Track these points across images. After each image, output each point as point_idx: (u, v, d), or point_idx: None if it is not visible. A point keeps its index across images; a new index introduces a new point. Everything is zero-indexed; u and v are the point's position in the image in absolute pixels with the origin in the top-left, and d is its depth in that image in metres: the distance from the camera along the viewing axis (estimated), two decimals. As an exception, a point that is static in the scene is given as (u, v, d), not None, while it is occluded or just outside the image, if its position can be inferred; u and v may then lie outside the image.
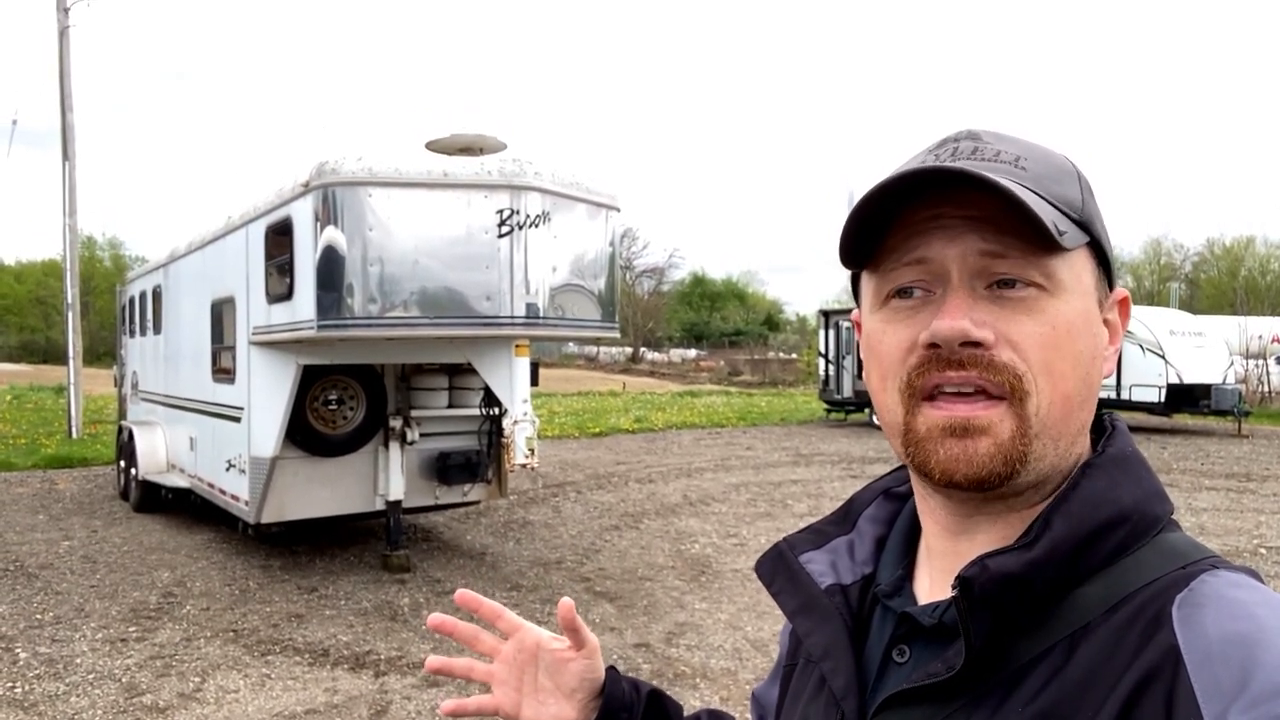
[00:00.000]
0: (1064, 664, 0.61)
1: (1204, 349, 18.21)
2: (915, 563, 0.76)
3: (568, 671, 0.91)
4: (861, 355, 0.73)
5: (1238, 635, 0.55)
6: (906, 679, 0.67)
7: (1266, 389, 24.45)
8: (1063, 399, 0.64)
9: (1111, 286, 0.70)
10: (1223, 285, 49.58)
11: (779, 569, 0.81)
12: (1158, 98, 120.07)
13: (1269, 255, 51.98)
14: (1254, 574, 0.62)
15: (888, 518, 0.81)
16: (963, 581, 0.62)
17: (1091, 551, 0.63)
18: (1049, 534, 0.62)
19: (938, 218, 0.64)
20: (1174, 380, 17.30)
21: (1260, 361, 24.54)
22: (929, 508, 0.72)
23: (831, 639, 0.74)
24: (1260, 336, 25.45)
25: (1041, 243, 0.62)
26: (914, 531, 0.77)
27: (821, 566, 0.78)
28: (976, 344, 0.62)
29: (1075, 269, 0.65)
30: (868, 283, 0.71)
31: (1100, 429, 0.70)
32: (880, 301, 0.69)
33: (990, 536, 0.68)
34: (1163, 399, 17.34)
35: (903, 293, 0.67)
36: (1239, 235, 58.45)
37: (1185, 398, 17.60)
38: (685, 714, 0.98)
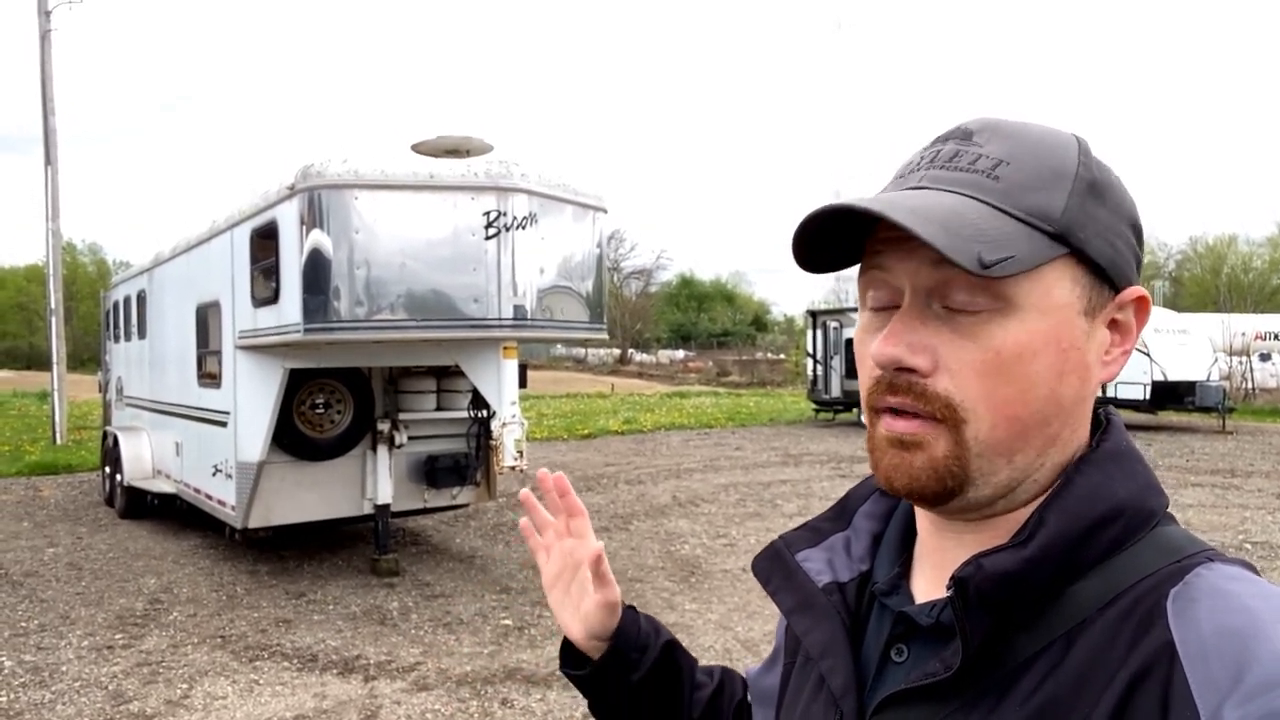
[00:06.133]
0: (1061, 661, 0.60)
1: (1188, 346, 18.35)
2: (912, 559, 0.75)
3: (587, 602, 0.98)
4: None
5: (1232, 629, 0.55)
6: (905, 678, 0.67)
7: (1250, 386, 24.65)
8: (1008, 421, 0.62)
9: (1118, 287, 0.66)
10: (1206, 283, 49.86)
11: (775, 567, 0.80)
12: (1141, 96, 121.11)
13: (1251, 253, 52.42)
14: (1250, 566, 0.62)
15: (883, 513, 0.80)
16: (958, 582, 0.61)
17: (1087, 547, 0.62)
18: (1044, 531, 0.62)
19: (895, 227, 0.62)
20: (1159, 377, 17.42)
21: (1243, 358, 24.75)
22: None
23: (829, 638, 0.73)
24: (1243, 333, 25.68)
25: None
26: (910, 528, 0.77)
27: (818, 564, 0.78)
28: (912, 370, 0.63)
29: (1044, 284, 0.62)
30: (858, 282, 0.71)
31: (1096, 423, 0.69)
32: (864, 306, 0.69)
33: (981, 536, 0.67)
34: (1148, 396, 17.45)
35: (876, 302, 0.67)
36: (1221, 233, 58.82)
37: (1170, 395, 17.72)
38: (699, 667, 1.04)
